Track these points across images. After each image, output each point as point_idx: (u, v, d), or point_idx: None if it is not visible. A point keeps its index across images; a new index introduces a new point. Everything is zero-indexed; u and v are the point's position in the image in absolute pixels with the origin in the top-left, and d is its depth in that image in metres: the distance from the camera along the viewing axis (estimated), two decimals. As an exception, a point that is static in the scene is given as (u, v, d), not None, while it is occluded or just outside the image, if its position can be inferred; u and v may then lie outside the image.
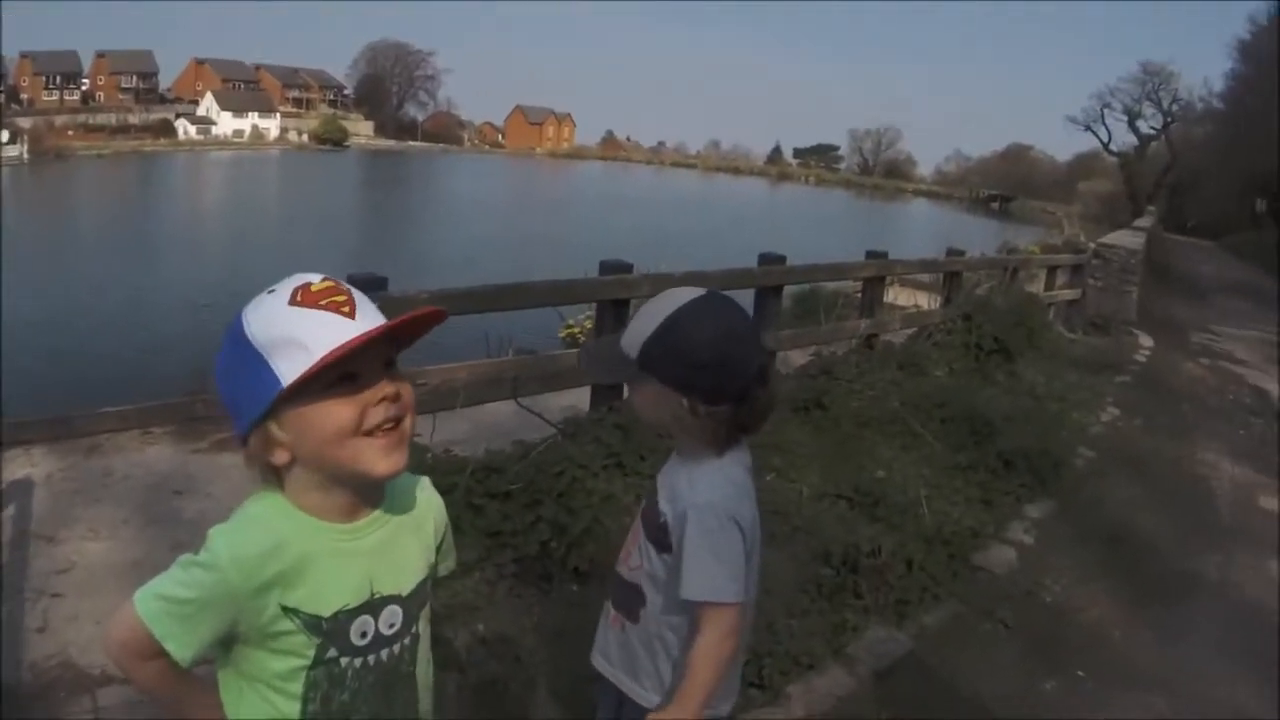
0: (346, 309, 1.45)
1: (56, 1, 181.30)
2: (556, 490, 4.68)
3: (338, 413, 1.46)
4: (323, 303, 1.45)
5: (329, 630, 1.54)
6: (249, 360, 1.43)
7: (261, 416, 1.46)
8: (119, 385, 11.38)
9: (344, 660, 1.57)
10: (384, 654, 1.62)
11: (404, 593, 1.64)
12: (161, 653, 1.46)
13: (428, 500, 1.75)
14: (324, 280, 1.49)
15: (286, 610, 1.50)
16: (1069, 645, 4.77)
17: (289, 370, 1.41)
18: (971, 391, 8.24)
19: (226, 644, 1.52)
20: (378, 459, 1.50)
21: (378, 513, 1.61)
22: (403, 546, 1.65)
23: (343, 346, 1.41)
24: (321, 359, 1.40)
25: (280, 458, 1.49)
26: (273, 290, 1.48)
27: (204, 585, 1.45)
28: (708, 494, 2.01)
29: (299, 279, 1.49)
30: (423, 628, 1.71)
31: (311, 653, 1.53)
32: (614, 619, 2.22)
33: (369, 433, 1.49)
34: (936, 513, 5.63)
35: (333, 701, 1.57)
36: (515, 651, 3.87)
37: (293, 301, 1.45)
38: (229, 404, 1.50)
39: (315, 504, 1.54)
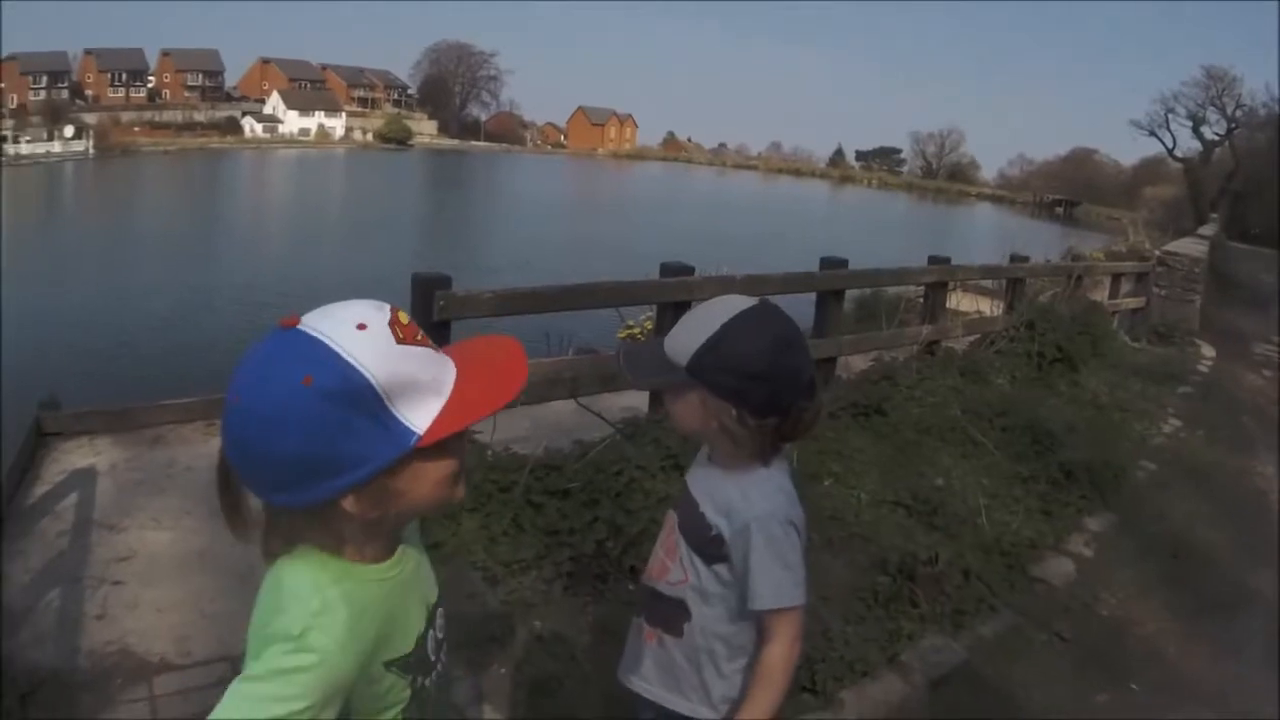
0: (432, 344, 1.37)
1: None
2: (614, 490, 4.72)
3: (458, 453, 1.40)
4: (418, 338, 1.34)
5: (414, 663, 1.50)
6: (368, 409, 1.27)
7: (378, 471, 1.31)
8: (176, 381, 11.50)
9: (426, 682, 1.54)
10: (442, 656, 1.61)
11: (439, 593, 1.63)
12: None
13: None
14: (397, 310, 1.35)
15: (387, 666, 1.45)
16: (1124, 659, 4.74)
17: (419, 417, 1.30)
18: (1033, 401, 8.18)
19: None
20: (461, 487, 1.45)
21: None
22: (422, 553, 1.61)
23: (502, 398, 1.37)
24: (471, 407, 1.34)
25: (374, 513, 1.35)
26: (362, 325, 1.28)
27: (318, 685, 1.27)
28: (766, 504, 2.00)
29: (376, 309, 1.33)
30: None
31: (408, 692, 1.49)
32: (649, 634, 2.18)
33: None
34: (995, 523, 5.61)
35: None
36: (570, 650, 3.91)
37: (399, 340, 1.30)
38: (309, 463, 1.27)
39: (372, 553, 1.42)
